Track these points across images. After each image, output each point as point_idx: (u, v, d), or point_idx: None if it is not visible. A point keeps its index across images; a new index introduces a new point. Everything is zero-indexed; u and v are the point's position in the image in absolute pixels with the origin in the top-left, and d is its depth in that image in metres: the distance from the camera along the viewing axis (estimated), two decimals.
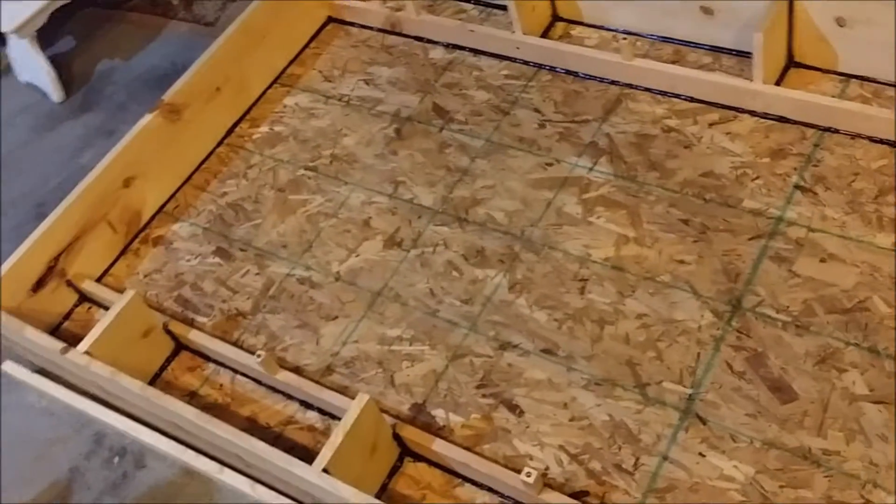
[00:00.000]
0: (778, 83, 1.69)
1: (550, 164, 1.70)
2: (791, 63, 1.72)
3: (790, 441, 1.29)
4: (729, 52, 1.77)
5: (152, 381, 1.60)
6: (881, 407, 1.29)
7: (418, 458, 1.41)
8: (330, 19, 2.10)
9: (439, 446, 1.36)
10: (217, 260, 1.74)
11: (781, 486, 1.26)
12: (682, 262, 1.51)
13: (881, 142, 1.57)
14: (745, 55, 1.70)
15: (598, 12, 1.89)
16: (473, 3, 2.02)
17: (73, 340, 1.55)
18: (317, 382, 1.49)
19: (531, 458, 1.36)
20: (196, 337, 1.59)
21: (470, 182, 1.72)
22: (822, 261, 1.46)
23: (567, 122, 1.76)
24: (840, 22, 1.61)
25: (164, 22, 2.33)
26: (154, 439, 1.48)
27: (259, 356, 1.45)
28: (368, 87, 1.95)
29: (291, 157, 1.87)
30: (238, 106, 1.96)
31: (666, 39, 1.83)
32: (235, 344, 1.59)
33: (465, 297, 1.56)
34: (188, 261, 1.76)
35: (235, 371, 1.58)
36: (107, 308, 1.65)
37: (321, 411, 1.49)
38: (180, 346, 1.64)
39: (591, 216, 1.61)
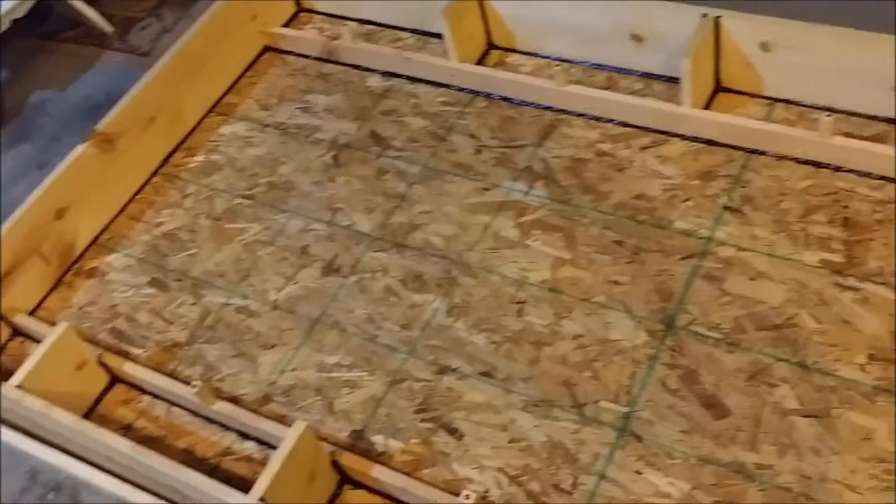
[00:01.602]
0: (706, 107, 1.73)
1: (487, 189, 1.72)
2: (719, 88, 1.76)
3: (724, 456, 1.31)
4: (659, 77, 1.81)
5: (87, 415, 1.56)
6: (811, 420, 1.32)
7: (358, 485, 1.40)
8: (266, 48, 2.10)
9: (378, 472, 1.35)
10: (152, 291, 1.72)
11: (717, 501, 1.28)
12: (616, 282, 1.53)
13: (806, 163, 1.62)
14: (674, 80, 1.74)
15: (532, 40, 1.92)
16: (410, 32, 2.05)
17: (6, 375, 1.52)
18: (254, 412, 1.47)
19: (471, 482, 1.36)
20: (131, 369, 1.56)
21: (408, 208, 1.73)
22: (752, 279, 1.49)
23: (503, 147, 1.78)
24: (764, 47, 1.66)
25: (98, 52, 2.32)
26: (89, 474, 1.45)
27: (194, 386, 1.43)
28: (306, 115, 1.95)
29: (228, 185, 1.86)
30: (173, 135, 1.94)
31: (598, 66, 1.87)
32: (171, 375, 1.57)
33: (404, 323, 1.56)
34: (123, 292, 1.73)
35: (171, 402, 1.55)
36: (40, 341, 1.61)
37: (259, 441, 1.47)
38: (115, 378, 1.61)
39: (528, 239, 1.63)
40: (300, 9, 2.17)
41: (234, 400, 1.51)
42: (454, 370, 1.49)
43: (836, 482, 1.26)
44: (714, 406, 1.36)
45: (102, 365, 1.59)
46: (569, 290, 1.54)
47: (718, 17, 1.66)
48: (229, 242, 1.76)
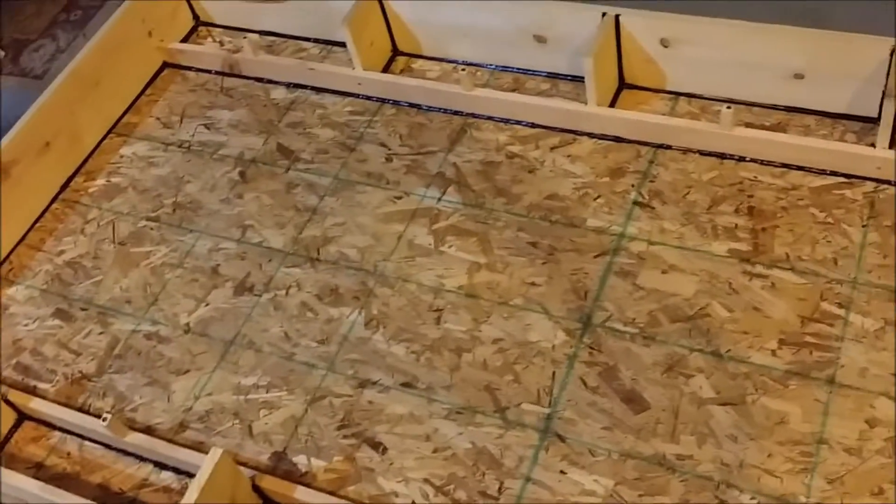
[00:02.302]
0: (612, 105, 1.75)
1: (399, 198, 1.70)
2: (623, 85, 1.78)
3: (645, 450, 1.32)
4: (565, 77, 1.82)
5: None
6: (728, 408, 1.34)
7: None
8: (165, 64, 2.05)
9: (301, 494, 1.32)
10: (57, 322, 1.65)
11: (641, 495, 1.28)
12: (533, 284, 1.53)
13: (711, 154, 1.64)
14: (580, 80, 1.75)
15: (437, 45, 1.91)
16: (313, 42, 2.02)
17: None
18: (169, 441, 1.42)
19: (396, 495, 1.34)
20: (38, 405, 1.50)
21: (320, 221, 1.70)
22: (664, 272, 1.51)
23: (413, 154, 1.77)
24: (664, 43, 1.69)
25: None
26: None
27: (105, 419, 1.38)
28: (209, 132, 1.90)
29: (131, 208, 1.80)
30: (71, 160, 1.88)
31: (505, 68, 1.87)
32: (81, 409, 1.51)
33: (321, 338, 1.54)
34: (26, 325, 1.66)
35: (83, 437, 1.50)
36: None
37: (177, 470, 1.43)
38: (23, 416, 1.54)
39: (443, 246, 1.62)
40: (199, 22, 2.12)
41: (148, 430, 1.46)
42: (375, 383, 1.47)
43: (754, 467, 1.28)
44: (633, 400, 1.37)
45: (8, 402, 1.52)
46: (486, 294, 1.54)
47: (618, 15, 1.67)
48: (135, 267, 1.71)
